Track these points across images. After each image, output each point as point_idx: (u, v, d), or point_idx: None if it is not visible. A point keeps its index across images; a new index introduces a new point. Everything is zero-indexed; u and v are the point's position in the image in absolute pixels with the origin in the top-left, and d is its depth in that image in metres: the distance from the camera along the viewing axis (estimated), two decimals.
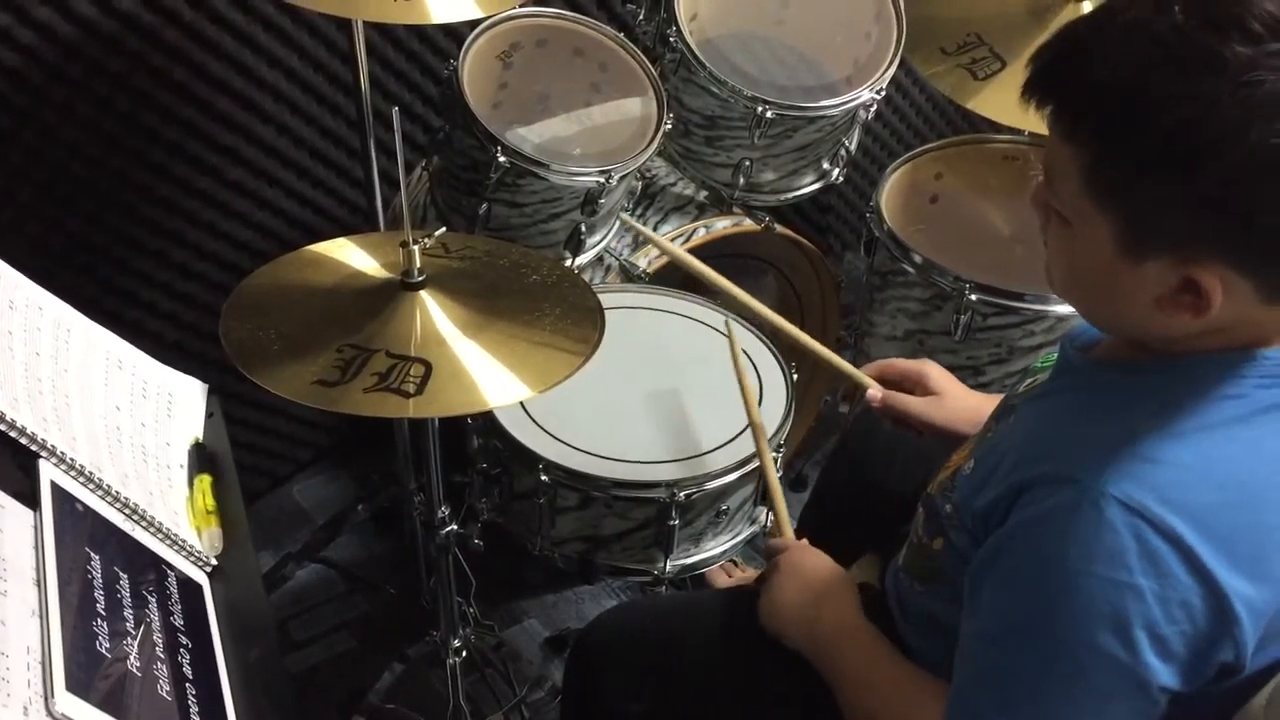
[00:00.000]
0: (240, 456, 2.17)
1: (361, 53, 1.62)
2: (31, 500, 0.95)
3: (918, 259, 1.77)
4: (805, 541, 1.35)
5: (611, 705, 1.36)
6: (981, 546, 0.99)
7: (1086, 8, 1.73)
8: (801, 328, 2.06)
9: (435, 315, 1.25)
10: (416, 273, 1.26)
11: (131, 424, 1.15)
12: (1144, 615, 0.87)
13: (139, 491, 1.06)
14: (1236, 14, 0.81)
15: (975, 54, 1.87)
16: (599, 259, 1.94)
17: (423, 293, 1.27)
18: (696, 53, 1.85)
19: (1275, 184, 0.81)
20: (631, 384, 1.70)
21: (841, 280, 2.16)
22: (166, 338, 1.99)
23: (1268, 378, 0.91)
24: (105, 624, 0.89)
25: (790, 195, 2.06)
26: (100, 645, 0.87)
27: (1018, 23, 1.84)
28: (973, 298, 1.71)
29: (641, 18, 1.97)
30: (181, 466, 1.18)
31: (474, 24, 1.73)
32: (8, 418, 0.97)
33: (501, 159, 1.67)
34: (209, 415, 1.28)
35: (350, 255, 1.36)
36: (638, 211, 2.01)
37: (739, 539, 1.70)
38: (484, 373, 1.20)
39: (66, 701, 0.80)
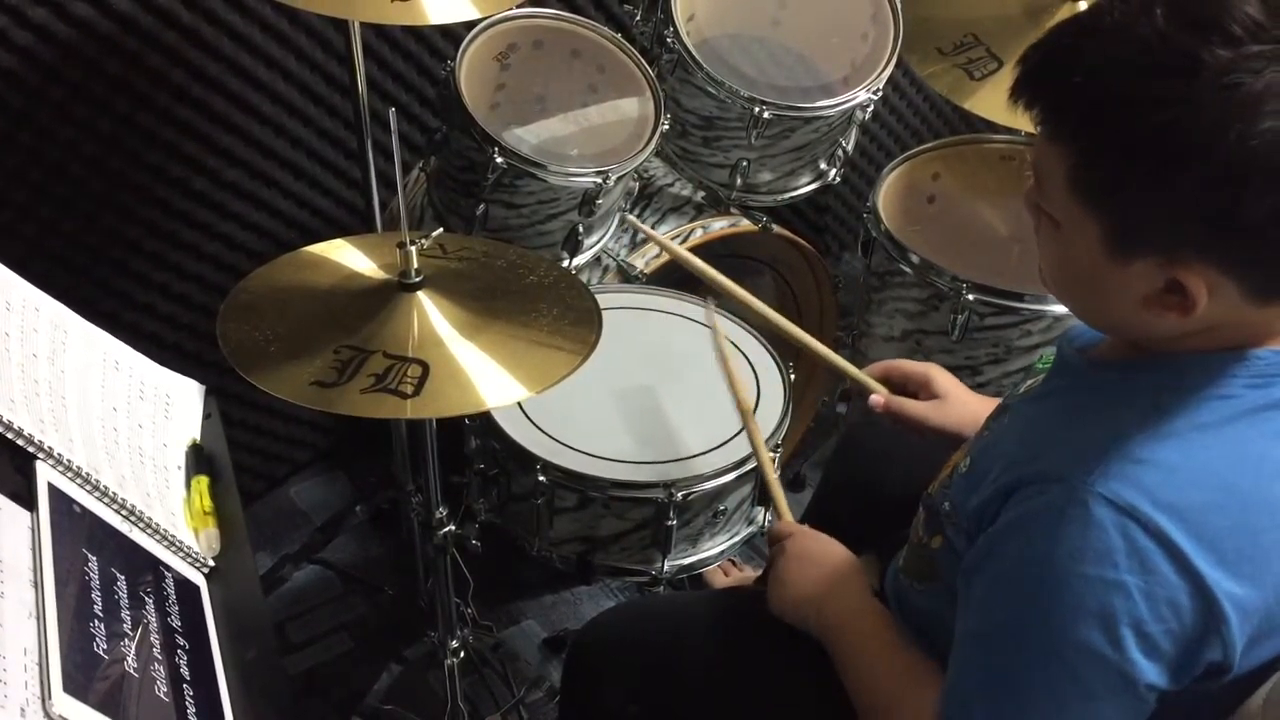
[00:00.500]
0: (238, 458, 2.17)
1: (358, 53, 1.62)
2: (28, 502, 0.94)
3: (915, 259, 1.77)
4: (805, 527, 1.35)
5: (609, 706, 1.36)
6: (973, 546, 0.99)
7: (1083, 7, 1.74)
8: (799, 328, 2.06)
9: (433, 316, 1.25)
10: (414, 273, 1.27)
11: (129, 425, 1.15)
12: (1130, 613, 0.88)
13: (136, 493, 1.06)
14: (1217, 17, 0.82)
15: (972, 54, 1.88)
16: (596, 259, 1.95)
17: (420, 294, 1.27)
18: (694, 53, 1.85)
19: (1256, 186, 0.82)
20: (629, 384, 1.70)
21: (839, 281, 2.17)
22: (164, 339, 1.99)
23: (1258, 378, 0.92)
24: (103, 625, 0.89)
25: (787, 196, 2.06)
26: (97, 646, 0.87)
27: (1014, 23, 1.84)
28: (970, 298, 1.71)
29: (639, 18, 1.97)
30: (179, 468, 1.18)
31: (471, 25, 1.73)
32: (4, 419, 0.97)
33: (499, 160, 1.67)
34: (206, 416, 1.27)
35: (347, 256, 1.36)
36: (635, 212, 2.01)
37: (736, 539, 1.70)
38: (481, 373, 1.21)
39: (64, 703, 0.80)
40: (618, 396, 1.68)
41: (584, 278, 1.92)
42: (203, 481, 1.17)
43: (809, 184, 2.07)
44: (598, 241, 1.90)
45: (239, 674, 0.99)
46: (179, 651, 0.95)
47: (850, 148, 2.06)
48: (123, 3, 1.68)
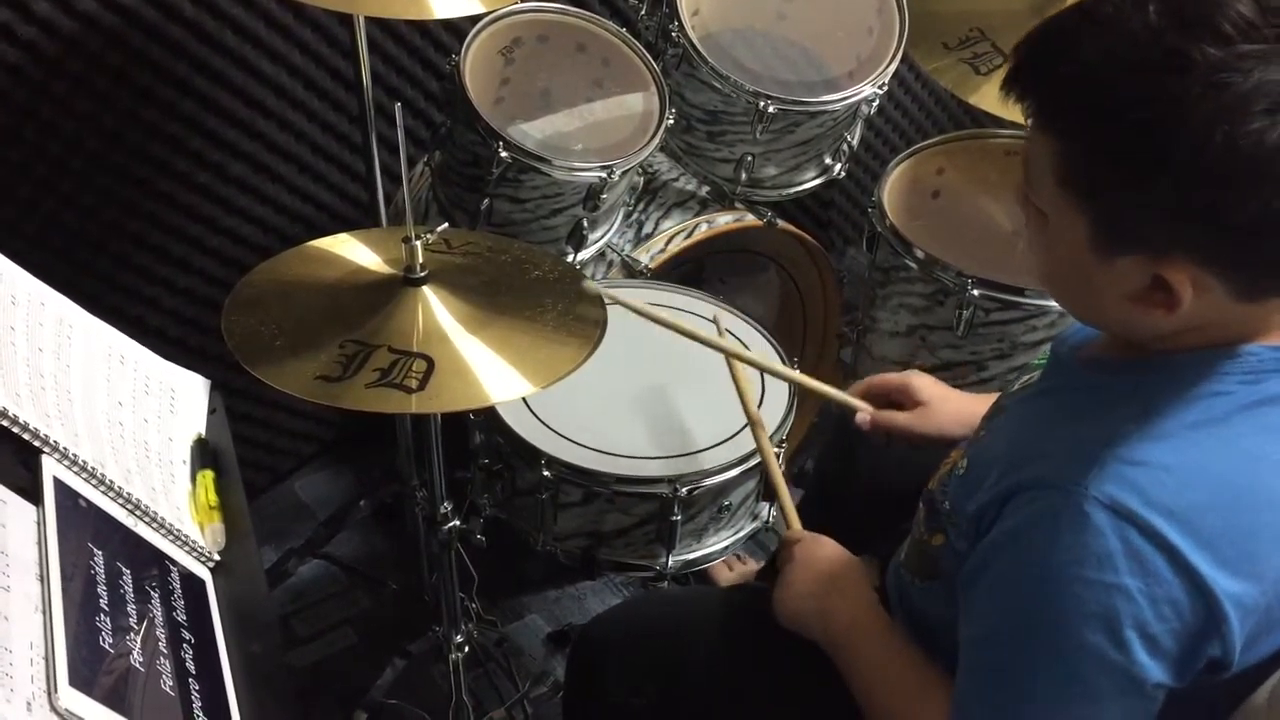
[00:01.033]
0: (243, 452, 2.16)
1: (363, 48, 1.62)
2: (34, 496, 0.95)
3: (920, 254, 1.77)
4: (813, 534, 1.35)
5: (613, 700, 1.36)
6: (973, 550, 0.99)
7: None
8: (803, 323, 2.06)
9: (437, 311, 1.25)
10: (419, 268, 1.26)
11: (134, 420, 1.15)
12: (1133, 615, 0.88)
13: (142, 487, 1.06)
14: (1209, 15, 0.82)
15: (977, 49, 1.87)
16: (601, 254, 1.94)
17: (425, 288, 1.26)
18: (699, 48, 1.85)
19: (1242, 186, 0.82)
20: (634, 379, 1.70)
21: (843, 276, 2.16)
22: (169, 333, 1.99)
23: (1251, 373, 0.92)
24: (108, 619, 0.89)
25: (792, 190, 2.06)
26: (103, 640, 0.87)
27: (1020, 17, 1.83)
28: (975, 293, 1.71)
29: (644, 13, 1.97)
30: (184, 462, 1.18)
31: (476, 19, 1.73)
32: (10, 414, 0.97)
33: (503, 154, 1.66)
34: (211, 411, 1.28)
35: (352, 251, 1.36)
36: (639, 206, 2.01)
37: (741, 534, 1.70)
38: (486, 368, 1.20)
39: (69, 697, 0.80)
40: (622, 391, 1.68)
41: (588, 273, 1.92)
42: (208, 476, 1.17)
43: (814, 179, 2.07)
44: (602, 236, 1.90)
45: (244, 668, 0.99)
46: (184, 645, 0.95)
47: (855, 142, 2.05)
48: None
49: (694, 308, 1.83)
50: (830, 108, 1.90)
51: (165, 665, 0.91)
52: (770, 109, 1.85)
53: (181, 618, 0.98)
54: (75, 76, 1.69)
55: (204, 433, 1.24)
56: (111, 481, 1.02)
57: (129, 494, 1.03)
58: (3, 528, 0.89)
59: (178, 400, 1.24)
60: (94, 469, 1.02)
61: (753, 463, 1.58)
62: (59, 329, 1.13)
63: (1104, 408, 0.95)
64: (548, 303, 1.32)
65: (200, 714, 0.90)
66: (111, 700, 0.83)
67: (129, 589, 0.95)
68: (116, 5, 1.68)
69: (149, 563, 1.01)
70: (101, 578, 0.93)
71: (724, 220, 2.01)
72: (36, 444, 0.98)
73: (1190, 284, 0.87)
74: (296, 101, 1.95)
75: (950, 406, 1.38)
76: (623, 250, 1.97)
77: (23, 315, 1.10)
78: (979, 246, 1.87)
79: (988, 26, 1.88)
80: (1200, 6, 0.82)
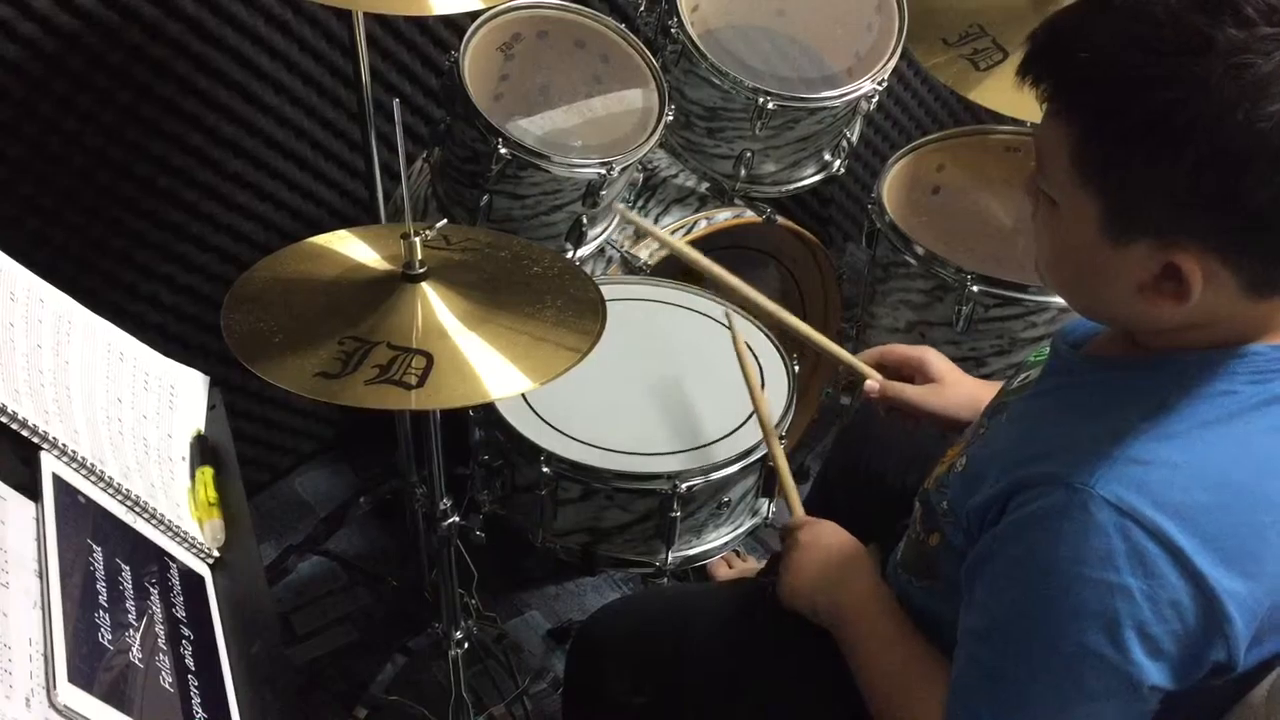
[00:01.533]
0: (242, 449, 2.16)
1: (362, 44, 1.61)
2: (33, 493, 0.95)
3: (919, 250, 1.77)
4: (817, 519, 1.34)
5: (613, 697, 1.36)
6: (975, 547, 0.99)
7: None
8: (803, 319, 2.06)
9: (437, 307, 1.25)
10: (418, 265, 1.26)
11: (133, 416, 1.15)
12: (1133, 615, 0.88)
13: (141, 484, 1.06)
14: None
15: (977, 44, 1.87)
16: (600, 251, 1.94)
17: (424, 285, 1.26)
18: (698, 44, 1.85)
19: (1259, 169, 0.82)
20: (633, 376, 1.70)
21: (843, 272, 2.16)
22: (168, 330, 1.99)
23: (1258, 374, 0.91)
24: (107, 616, 0.90)
25: (792, 187, 2.06)
26: (102, 637, 0.87)
27: (1020, 13, 1.84)
28: (975, 289, 1.71)
29: (643, 9, 1.97)
30: (183, 459, 1.18)
31: (475, 15, 1.73)
32: (9, 410, 0.97)
33: (503, 151, 1.66)
34: (211, 407, 1.28)
35: (351, 248, 1.36)
36: (639, 203, 2.01)
37: (740, 531, 1.70)
38: (485, 365, 1.20)
39: (68, 693, 0.80)
40: (622, 388, 1.68)
41: (588, 269, 1.92)
42: (207, 472, 1.17)
43: (813, 175, 2.07)
44: (602, 233, 1.90)
45: (243, 665, 0.99)
46: (184, 642, 0.95)
47: (855, 139, 2.05)
48: None
49: (692, 303, 1.83)
50: (830, 104, 1.90)
51: (164, 662, 0.91)
52: (770, 105, 1.85)
53: (181, 614, 0.98)
54: (75, 74, 1.69)
55: (203, 429, 1.24)
56: (110, 478, 1.02)
57: (128, 490, 1.03)
58: (2, 524, 0.89)
59: (177, 396, 1.24)
60: (93, 465, 1.02)
61: (753, 458, 1.58)
62: (58, 325, 1.13)
63: (1109, 405, 0.95)
64: (547, 299, 1.32)
65: (199, 710, 0.90)
66: (110, 697, 0.83)
67: (128, 585, 0.95)
68: (116, 2, 1.68)
69: (148, 559, 1.01)
70: (100, 574, 0.93)
71: (723, 217, 2.01)
72: (35, 440, 0.98)
73: (1201, 273, 0.87)
74: (296, 98, 1.95)
75: (961, 390, 1.37)
76: (622, 247, 1.97)
77: (21, 312, 1.10)
78: (979, 242, 1.87)
79: (987, 22, 1.88)
80: None
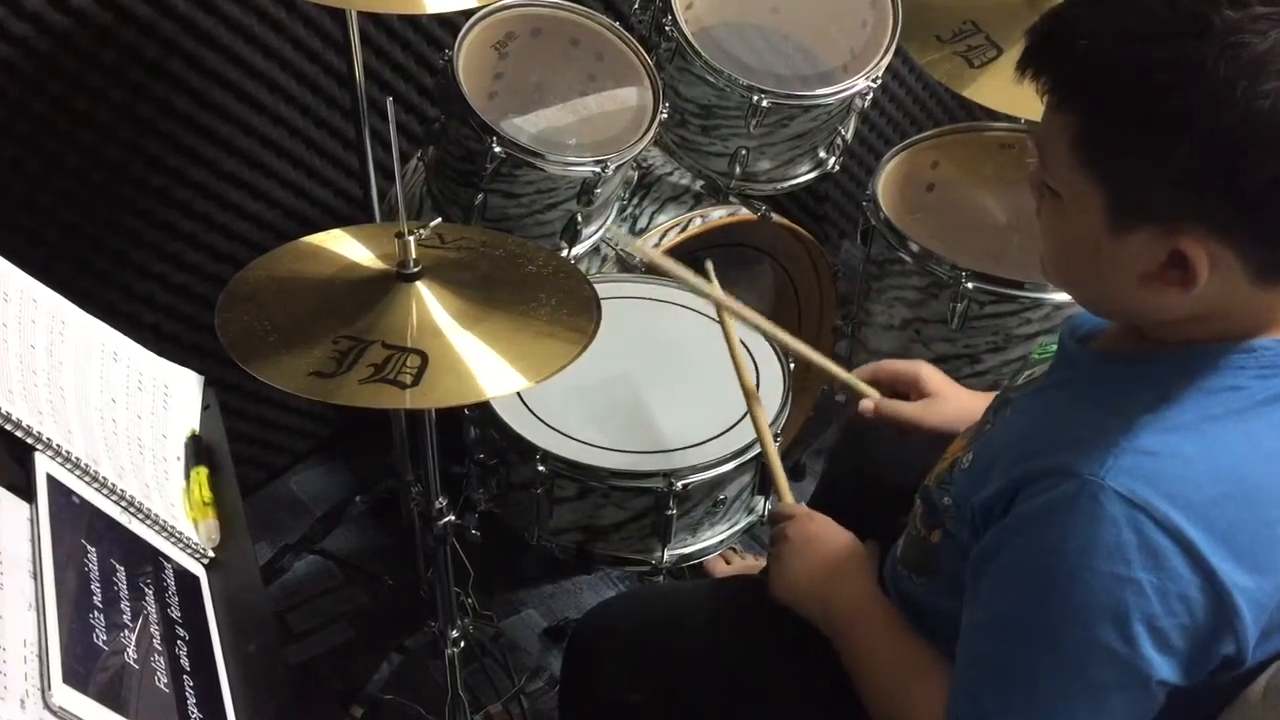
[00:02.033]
0: (238, 448, 2.17)
1: (356, 43, 1.61)
2: (27, 493, 0.94)
3: (914, 247, 1.77)
4: (809, 509, 1.34)
5: (609, 695, 1.36)
6: (981, 540, 0.99)
7: None
8: (798, 317, 2.06)
9: (431, 306, 1.25)
10: (412, 264, 1.26)
11: (127, 416, 1.15)
12: (1143, 609, 0.87)
13: (135, 484, 1.06)
14: None
15: (971, 41, 1.87)
16: (595, 249, 1.94)
17: (419, 284, 1.26)
18: (692, 42, 1.85)
19: (1259, 149, 0.82)
20: (628, 374, 1.70)
21: (838, 269, 2.16)
22: (163, 330, 1.99)
23: (1266, 368, 0.91)
24: (102, 617, 0.89)
25: (786, 184, 2.06)
26: (97, 638, 0.87)
27: (1014, 10, 1.83)
28: (969, 286, 1.71)
29: (637, 7, 1.97)
30: (178, 459, 1.18)
31: (469, 14, 1.73)
32: (2, 411, 0.97)
33: (497, 149, 1.66)
34: (205, 407, 1.27)
35: (346, 247, 1.36)
36: (634, 201, 2.01)
37: (736, 528, 1.70)
38: (480, 363, 1.20)
39: (63, 694, 0.80)
40: (617, 386, 1.68)
41: (583, 267, 1.92)
42: (202, 472, 1.17)
43: (808, 172, 2.06)
44: (597, 231, 1.90)
45: (239, 664, 0.99)
46: (179, 642, 0.95)
47: (849, 136, 2.05)
48: None
49: (687, 300, 1.83)
50: (824, 101, 1.90)
51: (160, 662, 0.91)
52: (764, 103, 1.85)
53: (176, 614, 0.98)
54: (69, 73, 1.69)
55: (198, 429, 1.24)
56: (105, 478, 1.02)
57: (122, 491, 1.03)
58: None
59: (171, 396, 1.24)
60: (87, 466, 1.01)
61: (747, 456, 1.58)
62: (51, 325, 1.13)
63: (1119, 399, 0.95)
64: (542, 297, 1.32)
65: (195, 710, 0.90)
66: (105, 697, 0.83)
67: (123, 586, 0.95)
68: (110, 2, 1.68)
69: (143, 559, 1.00)
70: (95, 575, 0.93)
71: (718, 214, 2.01)
72: (29, 441, 0.98)
73: (1207, 259, 0.87)
74: (290, 97, 1.95)
75: (957, 404, 1.37)
76: (617, 244, 1.97)
77: (14, 312, 1.09)
78: (974, 239, 1.87)
79: (981, 19, 1.88)
80: None
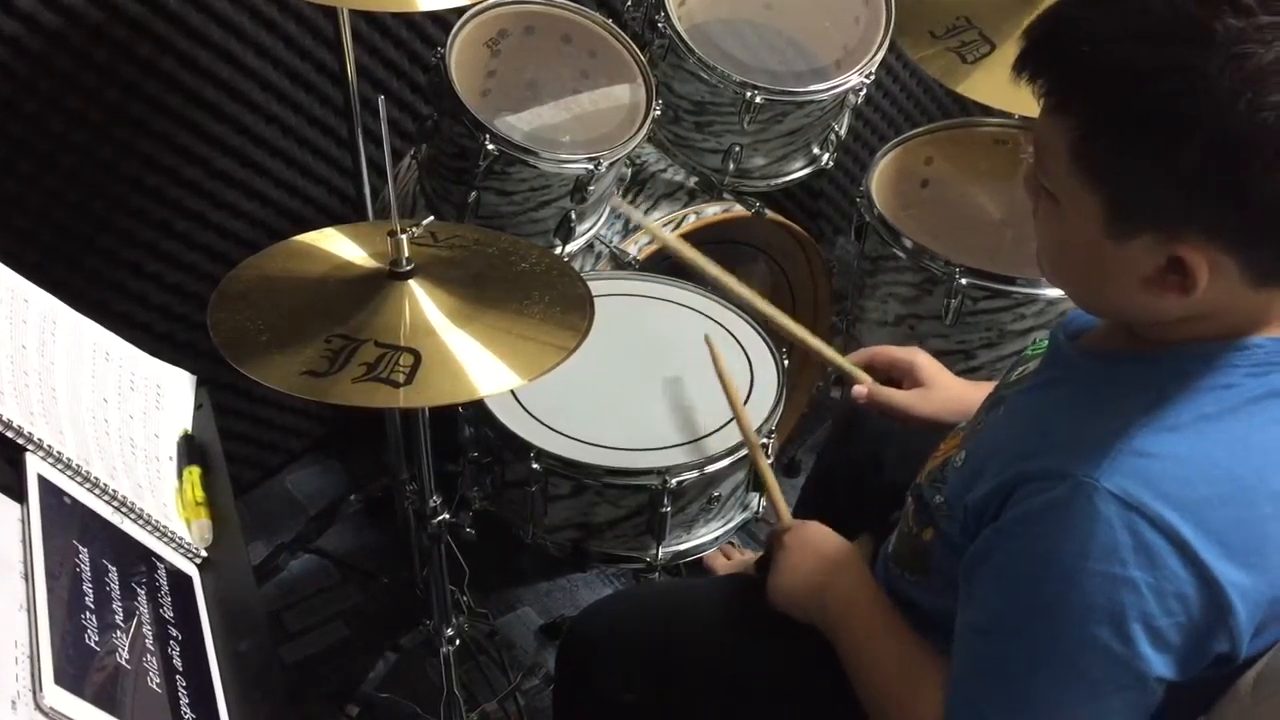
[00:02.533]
0: (232, 447, 2.18)
1: (348, 40, 1.61)
2: (18, 494, 0.94)
3: (908, 243, 1.77)
4: (804, 521, 1.34)
5: (604, 693, 1.36)
6: (975, 540, 0.99)
7: None
8: (793, 313, 2.06)
9: (424, 304, 1.25)
10: (405, 262, 1.26)
11: (119, 416, 1.15)
12: (1139, 608, 0.88)
13: (128, 484, 1.06)
14: None
15: (964, 37, 1.87)
16: (589, 246, 1.94)
17: (411, 282, 1.26)
18: (685, 38, 1.85)
19: (1261, 159, 0.81)
20: (622, 371, 1.70)
21: (832, 265, 2.16)
22: (156, 329, 1.99)
23: (1259, 366, 0.91)
24: (94, 617, 0.89)
25: (780, 180, 2.06)
26: (89, 638, 0.87)
27: (1007, 6, 1.83)
28: (963, 282, 1.71)
29: (630, 4, 1.97)
30: (170, 458, 1.18)
31: (461, 11, 1.73)
32: None
33: (490, 147, 1.66)
34: (198, 407, 1.27)
35: (338, 245, 1.36)
36: (628, 198, 2.01)
37: (731, 525, 1.70)
38: (474, 362, 1.20)
39: (55, 695, 0.79)
40: (611, 383, 1.67)
41: (576, 265, 1.92)
42: (194, 472, 1.17)
43: (802, 169, 2.06)
44: (590, 228, 1.90)
45: (232, 663, 0.99)
46: (172, 642, 0.95)
47: (843, 132, 2.05)
48: None
49: (681, 299, 1.83)
50: (818, 97, 1.90)
51: (152, 663, 0.91)
52: (757, 99, 1.85)
53: (169, 614, 0.97)
54: (61, 72, 1.68)
55: (190, 429, 1.24)
56: (97, 479, 1.02)
57: (114, 491, 1.03)
58: None
59: (163, 396, 1.24)
60: (79, 466, 1.01)
61: (743, 453, 1.58)
62: (43, 325, 1.13)
63: (1112, 400, 0.95)
64: (535, 295, 1.31)
65: (188, 711, 0.90)
66: (98, 698, 0.82)
67: (115, 586, 0.94)
68: (102, 1, 1.67)
69: (135, 560, 1.00)
70: (87, 575, 0.92)
71: (712, 211, 2.01)
72: (20, 441, 0.98)
73: (1206, 265, 0.86)
74: (282, 95, 1.95)
75: (950, 393, 1.37)
76: (611, 242, 1.97)
77: (5, 312, 1.09)
78: (968, 235, 1.87)
79: (975, 15, 1.88)
80: None
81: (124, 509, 1.03)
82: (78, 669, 0.83)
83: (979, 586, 0.98)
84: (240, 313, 1.24)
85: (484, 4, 1.73)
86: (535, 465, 1.55)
